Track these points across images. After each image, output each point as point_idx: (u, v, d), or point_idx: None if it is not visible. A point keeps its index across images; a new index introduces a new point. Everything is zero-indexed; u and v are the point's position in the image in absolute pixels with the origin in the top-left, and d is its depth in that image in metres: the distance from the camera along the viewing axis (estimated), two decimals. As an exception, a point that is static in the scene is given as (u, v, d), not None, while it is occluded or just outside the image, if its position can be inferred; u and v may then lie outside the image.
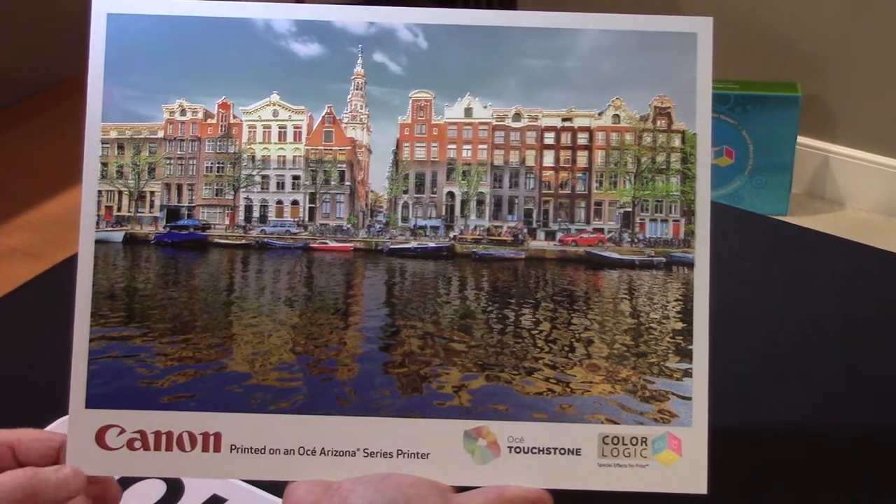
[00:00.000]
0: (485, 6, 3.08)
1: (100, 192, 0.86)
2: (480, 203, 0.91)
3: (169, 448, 0.83)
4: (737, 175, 3.17)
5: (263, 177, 0.91)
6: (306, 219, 0.93)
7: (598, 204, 0.91)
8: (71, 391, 0.84)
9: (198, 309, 0.88)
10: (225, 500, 0.98)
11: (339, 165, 0.92)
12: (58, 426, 1.00)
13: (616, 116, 0.88)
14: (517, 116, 0.89)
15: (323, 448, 0.83)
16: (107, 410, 0.84)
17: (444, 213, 0.92)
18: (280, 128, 0.90)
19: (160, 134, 0.89)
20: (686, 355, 0.84)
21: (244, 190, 0.91)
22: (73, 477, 0.81)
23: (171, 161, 0.90)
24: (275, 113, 0.89)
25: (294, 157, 0.91)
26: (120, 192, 0.88)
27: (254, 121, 0.89)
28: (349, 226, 0.93)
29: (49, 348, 0.93)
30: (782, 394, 1.14)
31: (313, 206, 0.93)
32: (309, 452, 0.83)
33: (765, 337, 1.23)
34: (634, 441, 0.83)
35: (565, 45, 0.86)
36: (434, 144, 0.91)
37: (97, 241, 0.85)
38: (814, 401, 1.13)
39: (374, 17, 0.86)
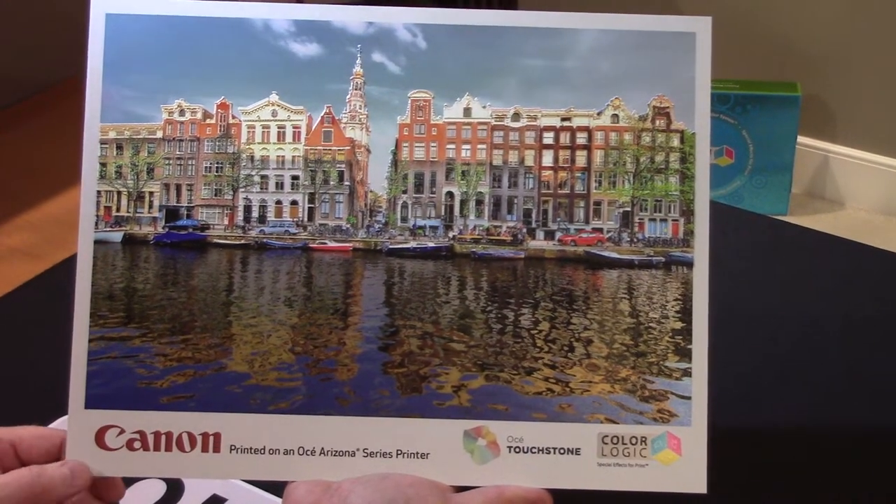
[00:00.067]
0: (485, 6, 3.08)
1: (99, 192, 0.86)
2: (479, 203, 0.91)
3: (168, 448, 0.83)
4: (737, 175, 3.17)
5: (262, 177, 0.91)
6: (305, 219, 0.93)
7: (597, 204, 0.91)
8: (70, 392, 0.84)
9: (197, 309, 0.88)
10: (225, 500, 0.98)
11: (338, 165, 0.92)
12: (58, 426, 1.00)
13: (615, 116, 0.88)
14: (516, 116, 0.89)
15: (322, 448, 0.83)
16: (106, 411, 0.84)
17: (443, 212, 0.92)
18: (279, 128, 0.90)
19: (159, 134, 0.89)
20: (685, 355, 0.84)
21: (243, 190, 0.91)
22: (79, 471, 0.81)
23: (170, 161, 0.91)
24: (274, 113, 0.89)
25: (293, 157, 0.91)
26: (119, 193, 0.88)
27: (253, 121, 0.89)
28: (348, 226, 0.93)
29: (49, 348, 0.93)
30: (782, 394, 1.14)
31: (312, 206, 0.93)
32: (308, 452, 0.83)
33: (765, 337, 1.23)
34: (634, 440, 0.83)
35: (564, 45, 0.86)
36: (433, 144, 0.92)
37: (96, 242, 0.85)
38: (814, 401, 1.13)
39: (373, 17, 0.86)
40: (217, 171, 0.91)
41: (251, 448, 0.83)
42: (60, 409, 0.85)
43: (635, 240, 0.90)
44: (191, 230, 0.90)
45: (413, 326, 0.87)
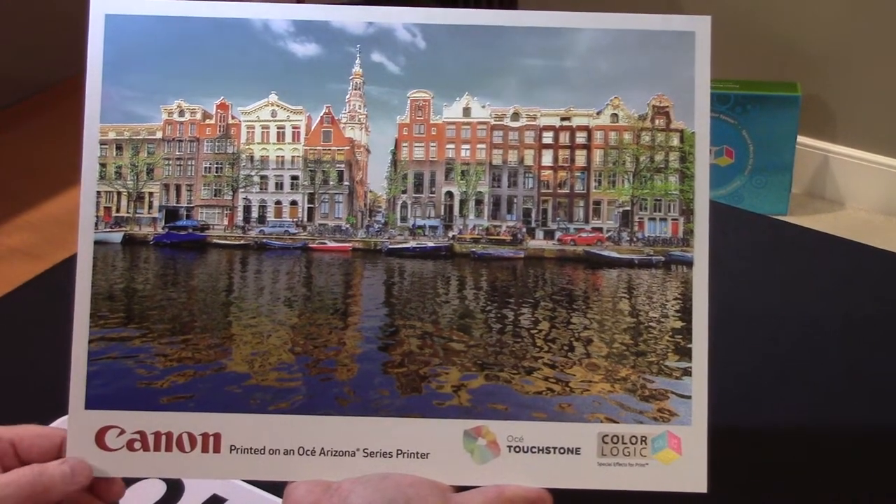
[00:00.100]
0: (484, 6, 3.08)
1: (98, 193, 0.86)
2: (479, 202, 0.91)
3: (169, 449, 0.83)
4: (737, 175, 3.17)
5: (262, 177, 0.91)
6: (305, 219, 0.93)
7: (597, 203, 0.91)
8: (70, 392, 0.84)
9: (197, 309, 0.88)
10: (225, 500, 0.98)
11: (337, 165, 0.92)
12: (58, 426, 1.00)
13: (614, 115, 0.88)
14: (515, 116, 0.89)
15: (322, 448, 0.83)
16: (106, 411, 0.84)
17: (442, 212, 0.92)
18: (279, 128, 0.90)
19: (159, 135, 0.89)
20: (685, 354, 0.84)
21: (243, 190, 0.91)
22: (79, 469, 0.81)
23: (170, 162, 0.91)
24: (273, 113, 0.89)
25: (293, 157, 0.91)
26: (118, 193, 0.88)
27: (252, 121, 0.89)
28: (348, 226, 0.93)
29: (49, 348, 0.93)
30: (782, 394, 1.14)
31: (312, 206, 0.93)
32: (308, 452, 0.83)
33: (765, 337, 1.23)
34: (634, 440, 0.83)
35: (563, 44, 0.86)
36: (432, 144, 0.92)
37: (96, 243, 0.85)
38: (814, 401, 1.13)
39: (373, 17, 0.86)
40: (217, 172, 0.91)
41: (251, 448, 0.83)
42: (60, 409, 0.85)
43: (635, 239, 0.90)
44: (190, 230, 0.90)
45: (413, 326, 0.87)
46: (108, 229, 0.87)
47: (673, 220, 0.87)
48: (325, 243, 0.93)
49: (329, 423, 0.83)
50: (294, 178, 0.92)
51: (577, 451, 0.83)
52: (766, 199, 3.16)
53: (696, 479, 0.82)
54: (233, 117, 0.89)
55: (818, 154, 3.23)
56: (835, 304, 1.28)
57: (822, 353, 1.20)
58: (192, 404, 0.84)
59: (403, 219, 0.92)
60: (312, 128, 0.90)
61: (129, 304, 0.86)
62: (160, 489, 0.98)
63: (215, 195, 0.91)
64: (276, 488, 0.90)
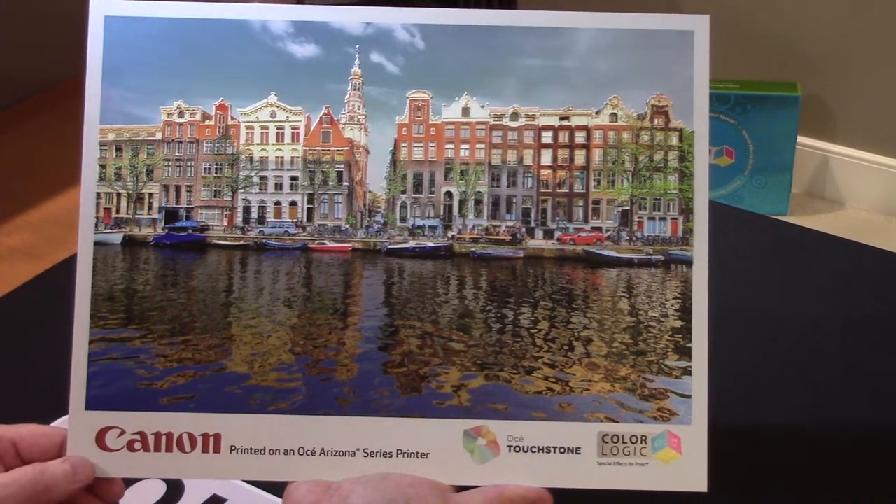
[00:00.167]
0: (484, 6, 3.08)
1: (98, 194, 0.86)
2: (478, 202, 0.91)
3: (169, 449, 0.83)
4: (737, 175, 3.17)
5: (262, 178, 0.91)
6: (304, 219, 0.93)
7: (596, 202, 0.91)
8: (71, 393, 0.84)
9: (197, 310, 0.88)
10: (225, 500, 0.98)
11: (336, 166, 0.92)
12: (59, 426, 1.00)
13: (613, 115, 0.88)
14: (514, 116, 0.89)
15: (322, 448, 0.83)
16: (107, 412, 0.84)
17: (442, 212, 0.92)
18: (278, 129, 0.90)
19: (158, 136, 0.89)
20: (685, 353, 0.84)
21: (242, 191, 0.91)
22: (80, 467, 0.81)
23: (170, 163, 0.91)
24: (272, 114, 0.89)
25: (292, 157, 0.91)
26: (118, 194, 0.88)
27: (252, 122, 0.89)
28: (347, 226, 0.93)
29: (49, 348, 0.93)
30: (782, 394, 1.14)
31: (311, 206, 0.93)
32: (308, 453, 0.83)
33: (765, 337, 1.23)
34: (634, 439, 0.83)
35: (562, 44, 0.86)
36: (432, 144, 0.92)
37: (96, 244, 0.85)
38: (814, 401, 1.13)
39: (371, 17, 0.86)
40: (216, 173, 0.91)
41: (251, 448, 0.83)
42: (61, 409, 0.85)
43: (634, 238, 0.90)
44: (190, 231, 0.90)
45: (412, 326, 0.87)
46: (107, 230, 0.87)
47: (672, 219, 0.87)
48: (324, 244, 0.93)
49: (329, 424, 0.83)
50: (293, 178, 0.92)
51: (577, 450, 0.83)
52: (766, 199, 3.16)
53: (696, 479, 0.82)
54: (232, 118, 0.89)
55: (818, 154, 3.23)
56: (835, 304, 1.28)
57: (822, 353, 1.20)
58: (193, 405, 0.84)
59: (403, 219, 0.92)
60: (312, 128, 0.90)
61: (129, 304, 0.86)
62: (160, 489, 0.98)
63: (215, 196, 0.91)
64: (276, 488, 0.90)
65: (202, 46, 0.86)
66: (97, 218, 0.86)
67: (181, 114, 0.89)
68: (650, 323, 0.86)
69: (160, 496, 0.98)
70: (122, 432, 0.83)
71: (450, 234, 0.92)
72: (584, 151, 0.90)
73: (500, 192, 0.91)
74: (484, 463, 0.83)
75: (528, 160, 0.91)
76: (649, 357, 0.85)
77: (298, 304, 0.89)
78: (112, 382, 0.84)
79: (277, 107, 0.88)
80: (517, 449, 0.83)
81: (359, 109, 0.89)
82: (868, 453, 1.07)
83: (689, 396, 0.83)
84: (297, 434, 0.83)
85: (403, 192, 0.92)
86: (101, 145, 0.86)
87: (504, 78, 0.87)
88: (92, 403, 0.84)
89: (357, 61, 0.86)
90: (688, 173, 0.86)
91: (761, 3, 3.12)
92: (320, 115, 0.89)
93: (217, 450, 0.83)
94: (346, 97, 0.88)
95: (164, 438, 0.83)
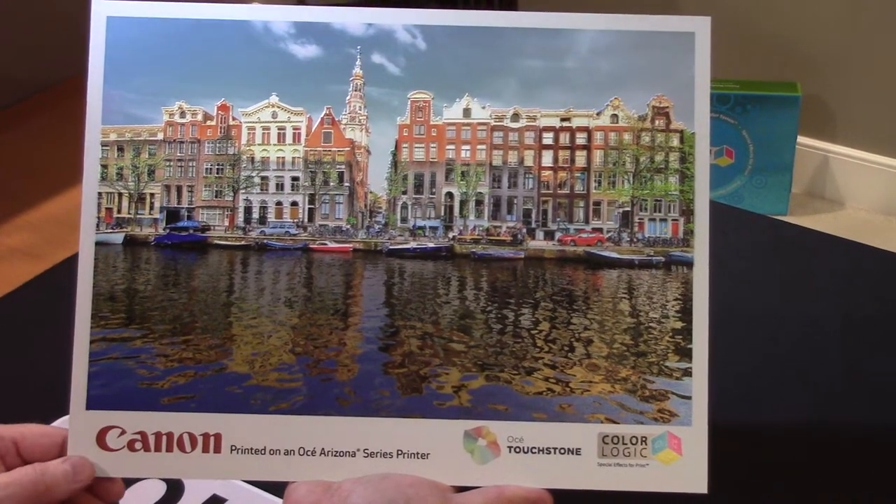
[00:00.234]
0: (485, 7, 3.08)
1: (100, 194, 0.86)
2: (479, 203, 0.91)
3: (169, 449, 0.83)
4: (737, 175, 3.17)
5: (263, 178, 0.91)
6: (305, 220, 0.93)
7: (597, 204, 0.91)
8: (71, 393, 0.84)
9: (198, 310, 0.88)
10: (225, 501, 0.98)
11: (337, 166, 0.92)
12: (60, 425, 1.00)
13: (614, 116, 0.88)
14: (515, 117, 0.89)
15: (323, 448, 0.83)
16: (107, 412, 0.84)
17: (442, 213, 0.92)
18: (279, 129, 0.90)
19: (160, 136, 0.89)
20: (686, 354, 0.84)
21: (243, 191, 0.91)
22: (81, 467, 0.81)
23: (171, 163, 0.91)
24: (274, 114, 0.89)
25: (293, 158, 0.91)
26: (120, 195, 0.89)
27: (253, 122, 0.89)
28: (348, 226, 0.93)
29: (49, 348, 0.94)
30: (782, 394, 1.14)
31: (312, 207, 0.93)
32: (309, 453, 0.83)
33: (765, 337, 1.23)
34: (634, 440, 0.83)
35: (563, 45, 0.86)
36: (433, 145, 0.92)
37: (97, 244, 0.85)
38: (814, 401, 1.13)
39: (373, 18, 0.86)
40: (217, 173, 0.91)
41: (252, 448, 0.83)
42: (61, 409, 0.85)
43: (635, 240, 0.90)
44: (191, 231, 0.90)
45: (413, 327, 0.87)
46: (109, 230, 0.87)
47: (673, 220, 0.88)
48: (325, 244, 0.93)
49: (329, 424, 0.83)
50: (294, 179, 0.92)
51: (577, 451, 0.83)
52: (766, 199, 3.16)
53: (696, 480, 0.83)
54: (233, 118, 0.89)
55: (818, 154, 3.23)
56: (835, 304, 1.28)
57: (822, 353, 1.20)
58: (193, 405, 0.84)
59: (404, 219, 0.92)
60: (313, 129, 0.90)
61: (131, 304, 0.86)
62: (160, 489, 0.98)
63: (216, 196, 0.91)
64: (276, 488, 0.90)
65: (204, 47, 0.86)
66: (99, 218, 0.86)
67: (183, 114, 0.89)
68: (651, 324, 0.86)
69: (160, 496, 0.98)
70: (123, 432, 0.83)
71: (451, 234, 0.92)
72: (584, 153, 0.90)
73: (501, 193, 0.91)
74: (484, 463, 0.83)
75: (528, 161, 0.91)
76: (650, 358, 0.85)
77: (299, 304, 0.89)
78: (113, 382, 0.84)
79: (279, 107, 0.88)
80: (517, 450, 0.83)
81: (360, 110, 0.89)
82: (868, 453, 1.07)
83: (689, 398, 0.83)
84: (298, 434, 0.83)
85: (404, 192, 0.92)
86: (102, 145, 0.86)
87: (505, 79, 0.87)
88: (93, 403, 0.84)
89: (358, 62, 0.86)
90: (689, 175, 0.87)
91: (761, 4, 3.12)
92: (321, 115, 0.89)
93: (217, 450, 0.83)
94: (348, 98, 0.88)
95: (164, 438, 0.83)
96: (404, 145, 0.91)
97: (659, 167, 0.88)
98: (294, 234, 0.92)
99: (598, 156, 0.90)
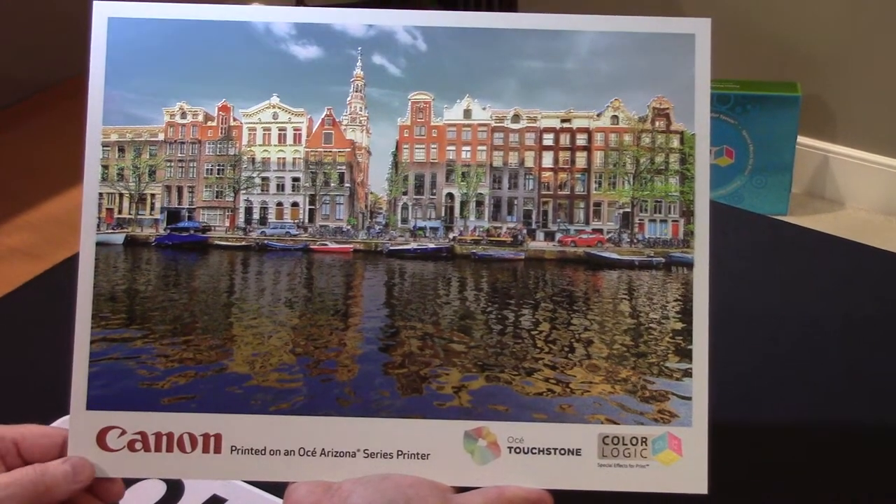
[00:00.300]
0: (485, 8, 3.08)
1: (100, 194, 0.86)
2: (480, 204, 0.91)
3: (170, 449, 0.83)
4: (737, 175, 3.17)
5: (263, 179, 0.91)
6: (306, 220, 0.93)
7: (597, 205, 0.91)
8: (72, 393, 0.84)
9: (198, 310, 0.88)
10: (225, 501, 0.98)
11: (338, 167, 0.92)
12: (60, 425, 1.00)
13: (615, 117, 0.88)
14: (516, 118, 0.89)
15: (323, 449, 0.83)
16: (108, 412, 0.84)
17: (443, 214, 0.92)
18: (280, 130, 0.90)
19: (161, 136, 0.89)
20: (686, 355, 0.84)
21: (244, 192, 0.91)
22: (81, 467, 0.81)
23: (172, 163, 0.91)
24: (275, 115, 0.89)
25: (294, 159, 0.91)
26: (120, 195, 0.89)
27: (254, 123, 0.89)
28: (349, 227, 0.93)
29: (49, 348, 0.94)
30: (782, 394, 1.14)
31: (313, 207, 0.93)
32: (309, 453, 0.83)
33: (765, 337, 1.23)
34: (634, 441, 0.83)
35: (564, 46, 0.86)
36: (433, 146, 0.92)
37: (98, 244, 0.85)
38: (814, 401, 1.14)
39: (374, 19, 0.86)
40: (218, 173, 0.91)
41: (252, 449, 0.83)
42: (61, 410, 0.85)
43: (635, 240, 0.90)
44: (192, 232, 0.91)
45: (413, 327, 0.87)
46: (109, 231, 0.87)
47: (673, 221, 0.88)
48: (326, 245, 0.93)
49: (330, 424, 0.83)
50: (295, 179, 0.92)
51: (577, 452, 0.83)
52: (766, 199, 3.16)
53: (696, 481, 0.83)
54: (234, 119, 0.89)
55: (818, 154, 3.23)
56: (835, 304, 1.28)
57: (822, 353, 1.21)
58: (194, 405, 0.84)
59: (404, 220, 0.92)
60: (314, 130, 0.90)
61: (131, 305, 0.86)
62: (160, 489, 0.98)
63: (217, 197, 0.91)
64: (276, 489, 0.90)
65: (205, 48, 0.86)
66: (99, 218, 0.86)
67: (183, 115, 0.89)
68: (651, 325, 0.86)
69: (160, 496, 0.98)
70: (123, 432, 0.84)
71: (451, 235, 0.92)
72: (585, 154, 0.90)
73: (502, 194, 0.91)
74: (484, 464, 0.83)
75: (529, 162, 0.91)
76: (650, 359, 0.85)
77: (300, 304, 0.89)
78: (113, 382, 0.84)
79: (279, 108, 0.89)
80: (518, 450, 0.83)
81: (361, 111, 0.89)
82: (868, 453, 1.07)
83: (689, 398, 0.83)
84: (298, 434, 0.83)
85: (405, 193, 0.92)
86: (103, 146, 0.86)
87: (505, 80, 0.87)
88: (93, 403, 0.84)
89: (359, 63, 0.86)
90: (689, 176, 0.87)
91: (761, 4, 3.12)
92: (322, 116, 0.89)
93: (218, 450, 0.83)
94: (348, 99, 0.88)
95: (164, 438, 0.83)
96: (405, 146, 0.91)
97: (659, 168, 0.88)
98: (295, 235, 0.93)
99: (598, 157, 0.90)
